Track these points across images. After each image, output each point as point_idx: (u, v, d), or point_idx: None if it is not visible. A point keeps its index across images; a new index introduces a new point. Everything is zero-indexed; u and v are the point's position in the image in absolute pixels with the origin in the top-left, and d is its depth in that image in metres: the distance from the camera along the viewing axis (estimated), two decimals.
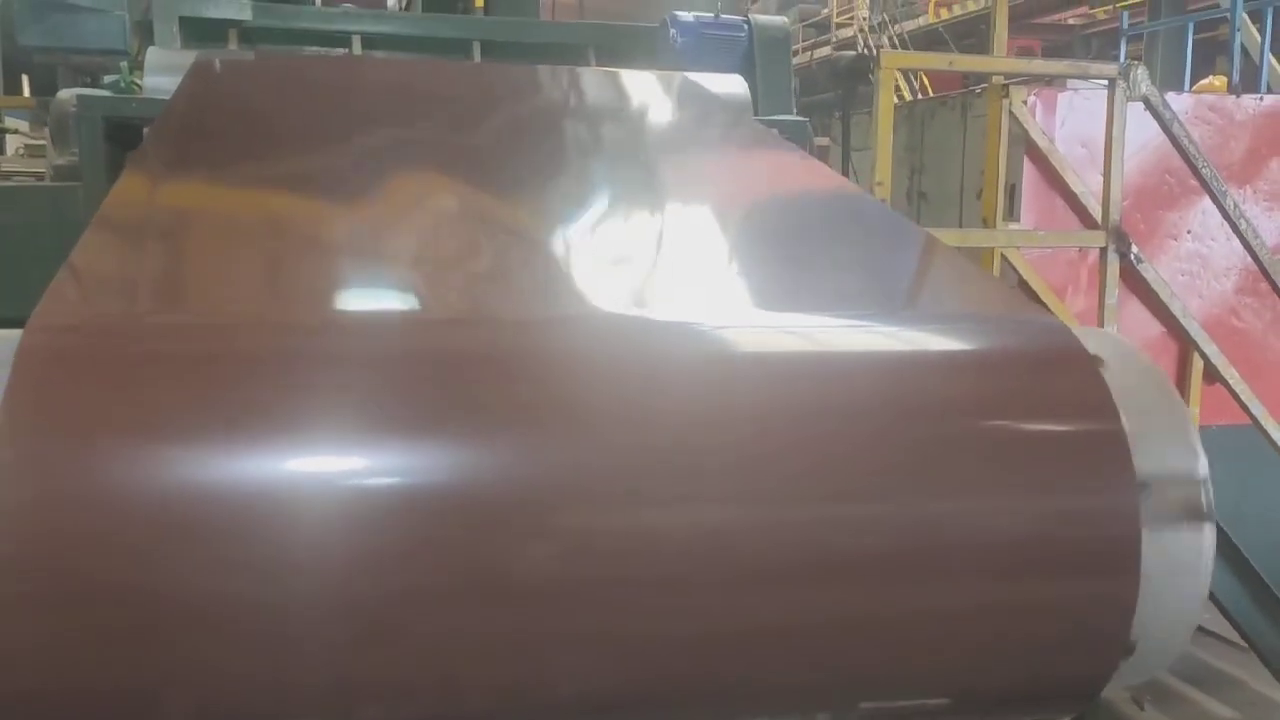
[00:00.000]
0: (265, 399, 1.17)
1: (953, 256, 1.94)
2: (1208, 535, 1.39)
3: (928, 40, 18.92)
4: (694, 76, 3.15)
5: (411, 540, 1.14)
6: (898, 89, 16.67)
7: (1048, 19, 19.29)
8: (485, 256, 1.82)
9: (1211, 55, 14.52)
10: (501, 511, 1.16)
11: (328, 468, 1.15)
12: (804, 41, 21.11)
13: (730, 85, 3.34)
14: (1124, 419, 1.36)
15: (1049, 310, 1.80)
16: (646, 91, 3.03)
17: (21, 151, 8.88)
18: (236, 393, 1.17)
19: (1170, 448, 1.39)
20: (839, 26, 20.24)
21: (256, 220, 1.85)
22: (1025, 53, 18.75)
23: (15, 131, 10.22)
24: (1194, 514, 1.38)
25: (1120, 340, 1.58)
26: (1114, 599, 1.34)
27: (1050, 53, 18.87)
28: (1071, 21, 19.42)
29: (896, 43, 18.52)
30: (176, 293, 1.55)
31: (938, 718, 1.49)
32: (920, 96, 12.56)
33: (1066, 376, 1.42)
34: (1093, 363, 1.41)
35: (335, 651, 1.13)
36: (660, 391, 1.29)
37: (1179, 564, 1.37)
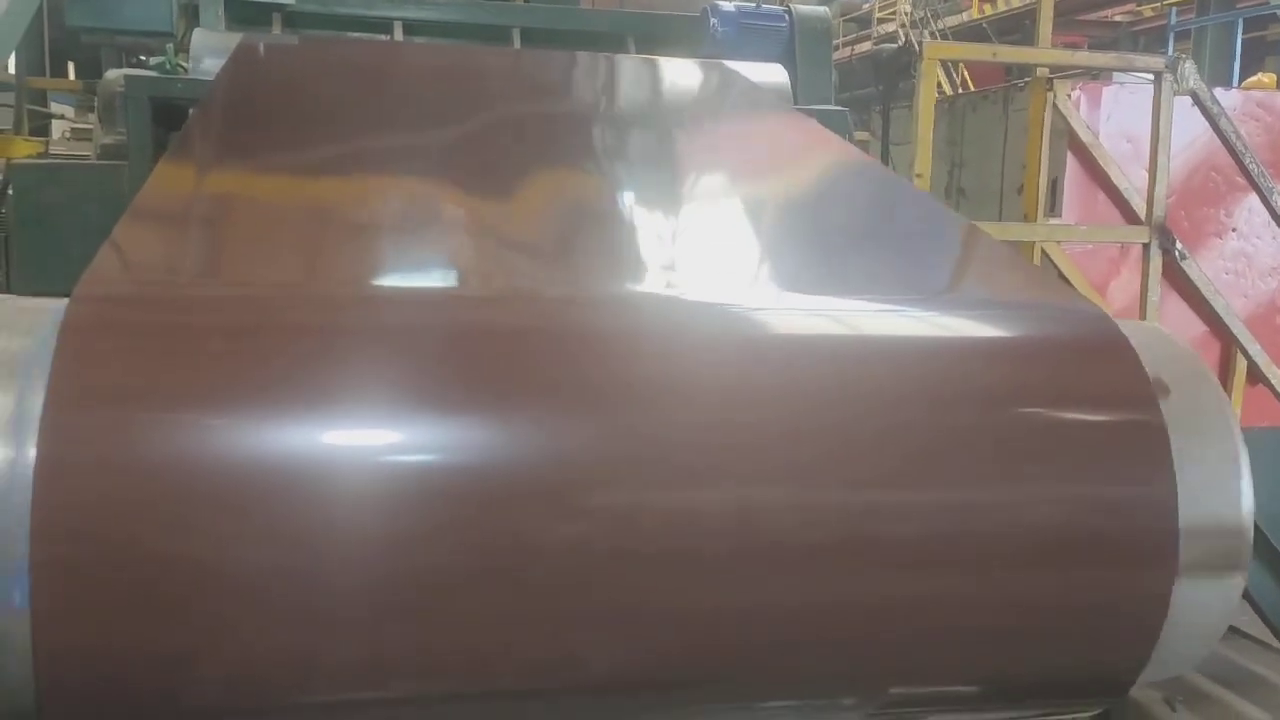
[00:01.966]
0: (304, 371, 1.18)
1: (992, 243, 1.93)
2: (1246, 529, 1.37)
3: (970, 36, 18.73)
4: (735, 65, 3.15)
5: (445, 514, 1.15)
6: (938, 84, 16.58)
7: (1093, 16, 19.05)
8: (525, 237, 1.83)
9: (1261, 55, 14.31)
10: (535, 488, 1.17)
11: (366, 441, 1.16)
12: (844, 36, 20.99)
13: (771, 74, 3.34)
14: (1164, 409, 1.34)
15: (1089, 299, 1.78)
16: (688, 79, 3.03)
17: (67, 135, 9.04)
18: (275, 364, 1.18)
19: (1210, 440, 1.38)
20: (880, 21, 20.10)
21: (298, 199, 1.87)
22: (1071, 49, 18.57)
23: (61, 117, 10.41)
24: (1232, 507, 1.36)
25: (1161, 330, 1.56)
26: (1149, 591, 1.32)
27: (1096, 50, 18.64)
28: (1118, 19, 19.16)
29: (938, 38, 18.35)
30: (217, 268, 1.56)
31: (967, 704, 1.48)
32: (961, 92, 12.45)
33: (1107, 365, 1.40)
34: (1133, 352, 1.39)
35: (367, 623, 1.14)
36: (693, 371, 1.29)
37: (1215, 558, 1.35)
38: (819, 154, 2.43)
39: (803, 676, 1.30)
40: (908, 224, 2.03)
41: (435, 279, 1.63)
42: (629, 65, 3.19)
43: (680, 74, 3.08)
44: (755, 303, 1.48)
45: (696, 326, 1.38)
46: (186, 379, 1.14)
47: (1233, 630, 5.60)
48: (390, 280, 1.60)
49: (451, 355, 1.25)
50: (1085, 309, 1.55)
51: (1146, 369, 1.38)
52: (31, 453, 1.06)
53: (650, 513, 1.21)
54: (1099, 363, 1.42)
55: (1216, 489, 1.36)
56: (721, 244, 1.87)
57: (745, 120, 2.76)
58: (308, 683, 1.16)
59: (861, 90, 17.73)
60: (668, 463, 1.21)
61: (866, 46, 19.20)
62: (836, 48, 21.03)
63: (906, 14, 19.19)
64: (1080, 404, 1.38)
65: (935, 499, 1.28)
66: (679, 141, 2.56)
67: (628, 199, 2.09)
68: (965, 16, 19.68)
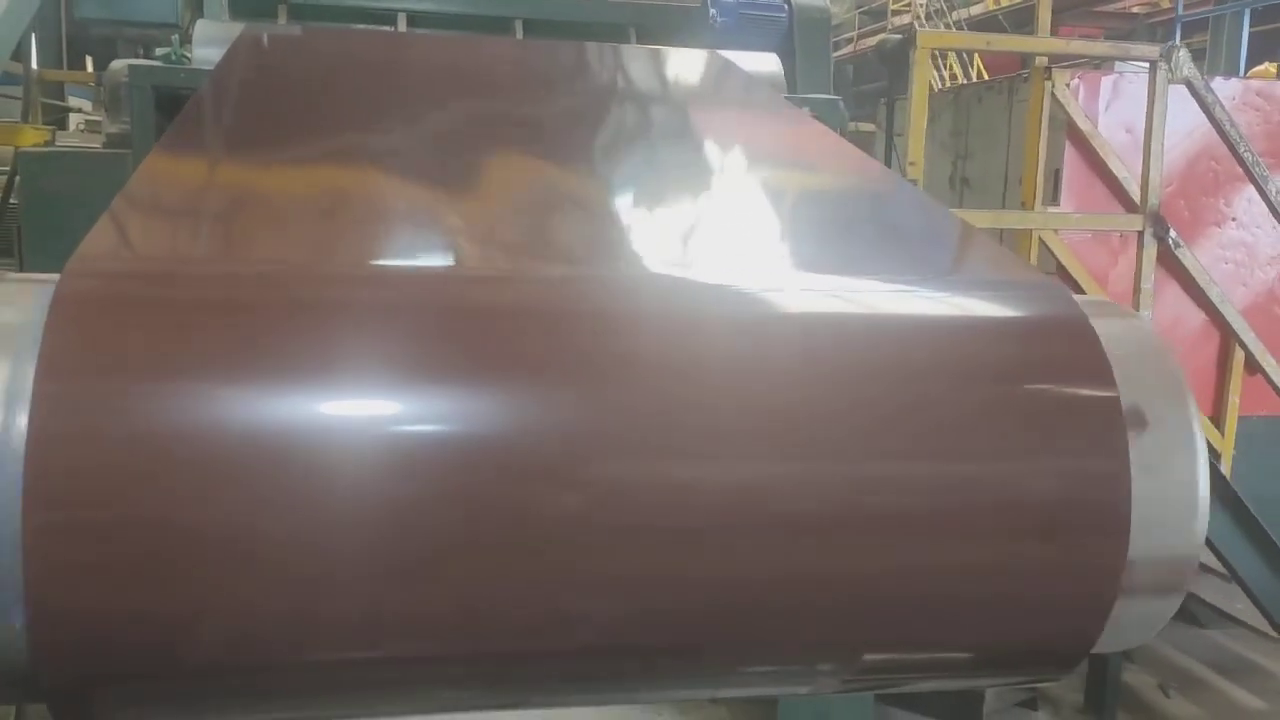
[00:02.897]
0: (294, 341, 1.20)
1: (957, 223, 1.96)
2: (1200, 499, 1.40)
3: (987, 28, 18.63)
4: (728, 54, 3.20)
5: (440, 483, 1.17)
6: (953, 74, 16.56)
7: (1111, 7, 18.92)
8: (525, 220, 1.85)
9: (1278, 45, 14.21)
10: (531, 458, 1.20)
11: (356, 410, 1.18)
12: (860, 29, 20.95)
13: (764, 64, 3.39)
14: (1119, 383, 1.37)
15: (1046, 276, 1.80)
16: (682, 68, 3.08)
17: (81, 127, 9.14)
18: (264, 335, 1.20)
19: (1165, 413, 1.40)
20: (895, 13, 20.05)
21: (294, 183, 1.90)
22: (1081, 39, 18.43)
23: (78, 110, 10.51)
24: (1186, 479, 1.39)
25: (1119, 306, 1.59)
26: (1102, 562, 1.35)
27: (1111, 41, 18.51)
28: (1135, 10, 19.03)
29: (953, 29, 18.29)
30: (211, 247, 1.59)
31: (929, 672, 1.52)
32: (965, 82, 12.42)
33: (1065, 340, 1.43)
34: (1090, 327, 1.42)
35: (357, 587, 1.17)
36: (672, 346, 1.33)
37: (1169, 528, 1.38)
38: (797, 140, 2.48)
39: (770, 645, 1.34)
40: (876, 205, 2.06)
41: (432, 259, 1.65)
42: (626, 54, 3.23)
43: (675, 63, 3.12)
44: (728, 281, 1.50)
45: (678, 303, 1.41)
46: (176, 349, 1.16)
47: (1228, 618, 5.65)
48: (386, 259, 1.61)
49: (451, 330, 1.27)
50: (1046, 287, 1.57)
51: (1103, 344, 1.41)
52: (24, 421, 1.08)
53: (638, 483, 1.24)
54: (1057, 338, 1.44)
55: (1170, 461, 1.38)
56: (703, 226, 1.92)
57: (731, 108, 2.80)
58: (298, 645, 1.19)
59: (875, 83, 17.68)
60: (653, 435, 1.24)
61: (883, 37, 19.13)
62: (851, 40, 20.97)
63: (921, 5, 19.13)
64: (1037, 378, 1.41)
65: (894, 472, 1.31)
66: (667, 128, 2.60)
67: (620, 184, 2.13)
68: (980, 8, 19.58)
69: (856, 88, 19.49)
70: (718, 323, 1.38)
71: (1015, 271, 1.73)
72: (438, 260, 1.65)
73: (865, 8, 21.24)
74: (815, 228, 1.96)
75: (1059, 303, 1.49)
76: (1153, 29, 18.46)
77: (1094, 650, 1.44)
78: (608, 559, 1.23)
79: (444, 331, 1.27)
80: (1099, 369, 1.39)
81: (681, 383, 1.29)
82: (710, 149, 2.46)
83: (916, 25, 18.64)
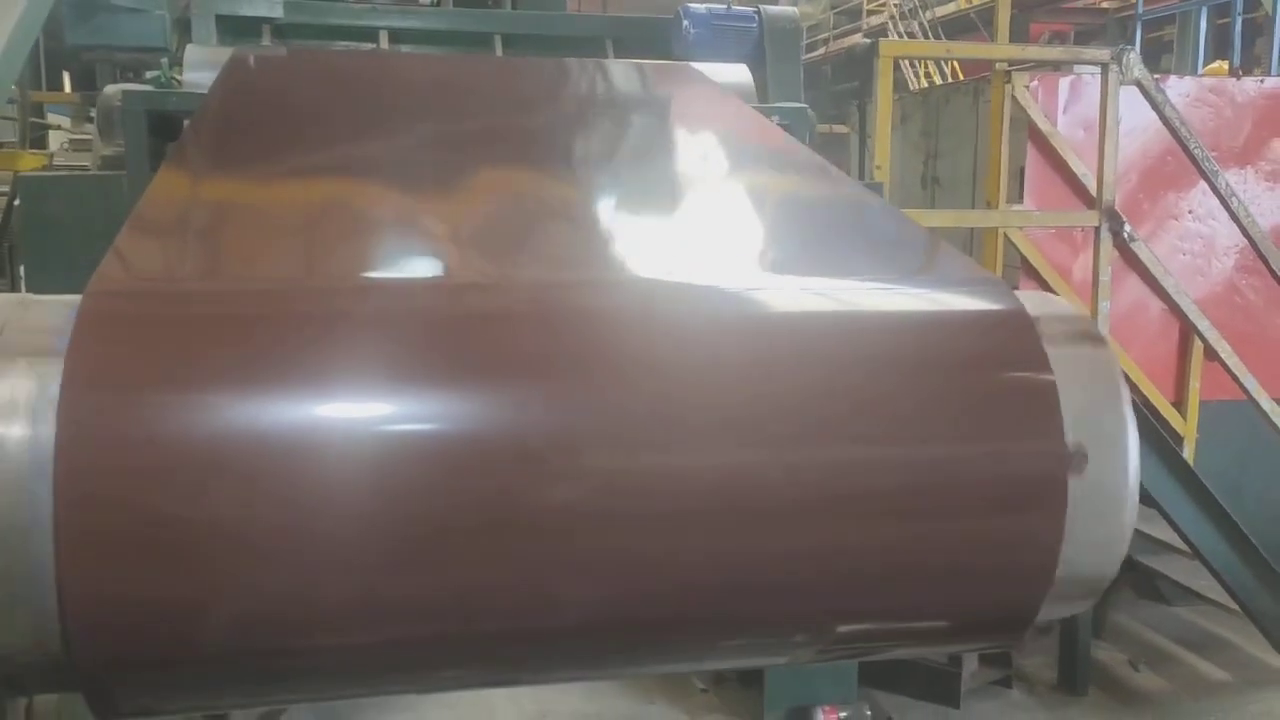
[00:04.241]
0: (295, 351, 1.31)
1: (905, 222, 2.08)
2: (1131, 477, 1.51)
3: (961, 26, 18.75)
4: (700, 66, 3.33)
5: (439, 478, 1.28)
6: (928, 73, 16.70)
7: (1080, 2, 19.04)
8: (511, 231, 1.94)
9: (1250, 39, 14.32)
10: (520, 451, 1.30)
11: (352, 411, 1.29)
12: (835, 29, 21.08)
13: (735, 74, 3.52)
14: (1054, 367, 1.49)
15: (996, 275, 1.93)
16: (653, 81, 3.20)
17: (66, 146, 9.19)
18: (269, 346, 1.31)
19: (1097, 394, 1.52)
20: (870, 13, 20.17)
21: (290, 202, 2.00)
22: (1059, 37, 18.60)
23: (58, 127, 10.54)
24: (1118, 456, 1.50)
25: (1057, 300, 1.70)
26: (1040, 535, 1.46)
27: (1084, 37, 18.67)
28: (1104, 5, 19.18)
29: (927, 28, 18.44)
30: (216, 265, 1.69)
31: (893, 640, 1.64)
32: (933, 84, 12.52)
33: (1005, 332, 1.55)
34: (1029, 319, 1.54)
35: (358, 574, 1.27)
36: (638, 344, 1.44)
37: (1103, 504, 1.49)
38: (760, 150, 2.61)
39: (751, 618, 1.44)
40: (834, 210, 2.18)
41: (428, 270, 1.74)
42: (602, 69, 3.35)
43: (648, 76, 3.23)
44: (697, 284, 1.60)
45: (642, 305, 1.52)
46: (188, 360, 1.27)
47: (1194, 595, 5.81)
48: (377, 273, 1.71)
49: (434, 335, 1.37)
50: (989, 283, 1.69)
51: (1040, 332, 1.52)
52: (53, 429, 1.19)
53: (620, 473, 1.34)
54: (998, 328, 1.56)
55: (1102, 439, 1.49)
56: (672, 232, 2.04)
57: (699, 119, 2.92)
58: (307, 628, 1.29)
59: (850, 83, 17.82)
60: (632, 428, 1.35)
61: (857, 38, 19.23)
62: (826, 41, 21.00)
63: (895, 5, 19.22)
64: (980, 365, 1.52)
65: (855, 458, 1.43)
66: (640, 139, 2.72)
67: (594, 194, 2.23)
68: (952, 7, 19.70)
69: (832, 87, 19.64)
70: (688, 323, 1.49)
71: (961, 269, 1.84)
72: (432, 271, 1.74)
73: (840, 8, 21.35)
74: (775, 233, 2.08)
75: (1000, 297, 1.61)
76: (1122, 23, 18.58)
77: (1040, 617, 1.54)
78: (593, 543, 1.34)
79: (437, 338, 1.38)
80: (1036, 358, 1.50)
81: (654, 379, 1.40)
82: (679, 158, 2.59)
83: (890, 25, 18.77)
